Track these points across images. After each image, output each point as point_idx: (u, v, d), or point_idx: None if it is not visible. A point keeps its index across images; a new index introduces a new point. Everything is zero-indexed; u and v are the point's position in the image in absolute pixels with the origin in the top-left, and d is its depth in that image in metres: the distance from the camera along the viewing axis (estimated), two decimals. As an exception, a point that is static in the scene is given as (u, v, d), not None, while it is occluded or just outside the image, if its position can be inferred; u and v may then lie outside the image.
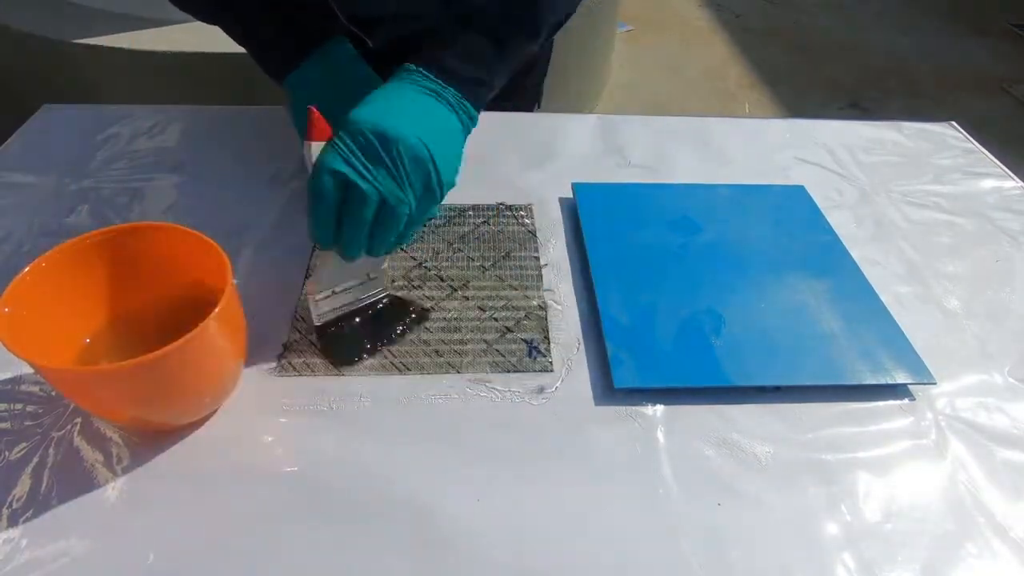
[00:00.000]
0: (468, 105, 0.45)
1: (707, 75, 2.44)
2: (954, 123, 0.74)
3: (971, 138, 0.72)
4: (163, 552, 0.34)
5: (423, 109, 0.43)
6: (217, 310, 0.34)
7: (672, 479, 0.38)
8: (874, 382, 0.44)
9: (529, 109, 0.81)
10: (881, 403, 0.44)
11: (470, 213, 0.57)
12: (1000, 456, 0.41)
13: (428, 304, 0.48)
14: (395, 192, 0.39)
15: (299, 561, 0.34)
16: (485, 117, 0.68)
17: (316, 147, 0.40)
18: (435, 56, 0.45)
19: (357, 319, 0.46)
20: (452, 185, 0.43)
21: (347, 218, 0.39)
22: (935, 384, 0.44)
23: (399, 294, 0.49)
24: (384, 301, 0.48)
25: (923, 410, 0.43)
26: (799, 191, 0.61)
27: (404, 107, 0.42)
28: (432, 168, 0.41)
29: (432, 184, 0.41)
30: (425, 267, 0.51)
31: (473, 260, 0.52)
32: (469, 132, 0.46)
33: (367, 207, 0.39)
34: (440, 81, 0.44)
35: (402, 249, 0.52)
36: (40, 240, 0.52)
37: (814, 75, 2.46)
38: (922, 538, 0.37)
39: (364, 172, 0.39)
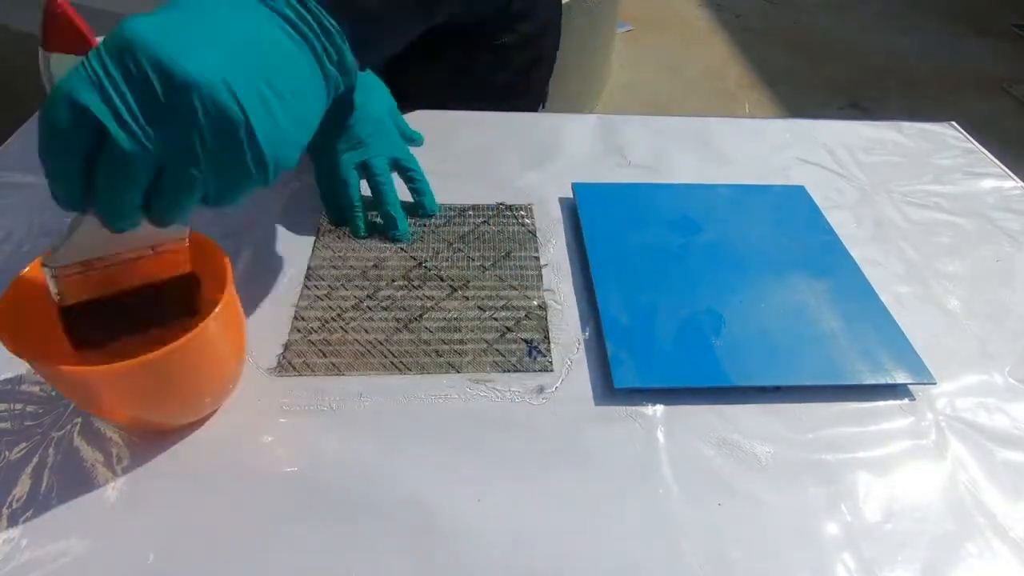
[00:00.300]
0: (343, 47, 0.31)
1: (707, 75, 2.44)
2: (954, 123, 0.74)
3: (971, 138, 0.72)
4: (163, 552, 0.34)
5: (256, 36, 0.28)
6: (217, 310, 0.34)
7: (672, 479, 0.38)
8: (874, 382, 0.44)
9: (534, 108, 0.81)
10: (881, 403, 0.44)
11: (470, 213, 0.57)
12: (1000, 456, 0.41)
13: (429, 303, 0.48)
14: (182, 157, 0.27)
15: (299, 561, 0.34)
16: (485, 117, 0.69)
17: (58, 61, 0.27)
18: None
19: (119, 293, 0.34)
20: (289, 167, 0.31)
21: (102, 177, 0.27)
22: (935, 384, 0.44)
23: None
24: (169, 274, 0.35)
25: (923, 410, 0.43)
26: (799, 191, 0.61)
27: (220, 26, 0.28)
28: (245, 139, 0.28)
29: (246, 161, 0.28)
30: (425, 267, 0.51)
31: (473, 260, 0.52)
32: (339, 91, 0.33)
33: (132, 168, 0.26)
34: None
35: (401, 249, 0.52)
36: (40, 240, 0.52)
37: (814, 75, 2.46)
38: (922, 538, 0.37)
39: (129, 119, 0.25)
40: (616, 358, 0.44)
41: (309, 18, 0.30)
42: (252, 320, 0.46)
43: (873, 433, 0.42)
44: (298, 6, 0.30)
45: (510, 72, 0.72)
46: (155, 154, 0.26)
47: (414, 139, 0.61)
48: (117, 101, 0.25)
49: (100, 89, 0.25)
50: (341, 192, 0.53)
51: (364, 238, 0.53)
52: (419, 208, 0.55)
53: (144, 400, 0.35)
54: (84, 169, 0.27)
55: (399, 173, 0.55)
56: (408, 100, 0.64)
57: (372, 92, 0.56)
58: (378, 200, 0.53)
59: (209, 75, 0.26)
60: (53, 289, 0.32)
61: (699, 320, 0.47)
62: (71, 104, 0.25)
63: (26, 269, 0.35)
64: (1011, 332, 0.49)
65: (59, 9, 0.26)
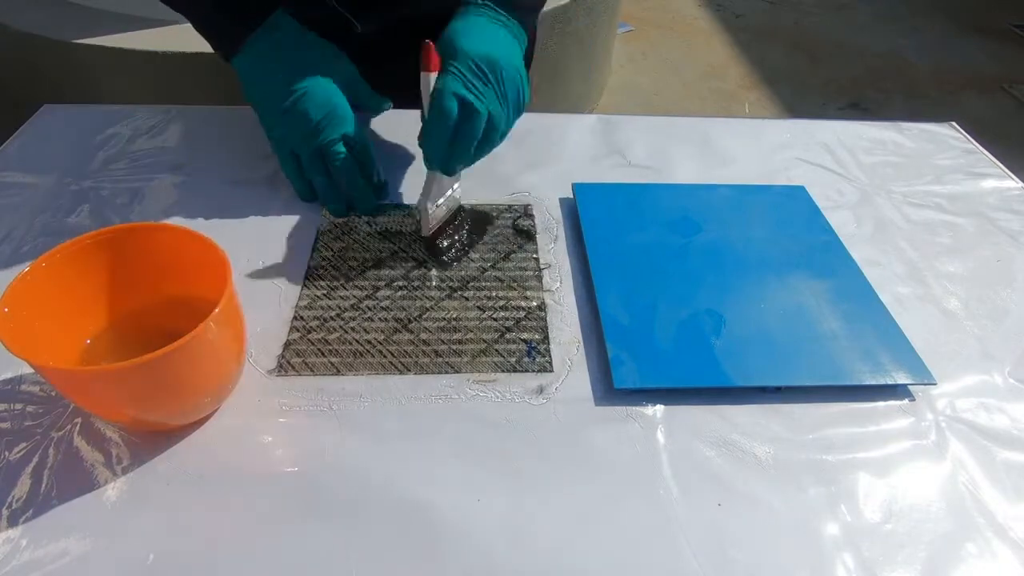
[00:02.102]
0: (523, 32, 0.52)
1: (707, 75, 2.44)
2: (954, 123, 0.74)
3: (971, 138, 0.72)
4: (163, 552, 0.34)
5: (501, 37, 0.50)
6: (217, 310, 0.34)
7: (672, 479, 0.38)
8: (874, 382, 0.44)
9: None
10: (881, 403, 0.44)
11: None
12: (1000, 456, 0.41)
13: (428, 304, 0.48)
14: (499, 110, 0.47)
15: (299, 561, 0.34)
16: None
17: (430, 77, 0.47)
18: None
19: (450, 229, 0.54)
20: (529, 101, 0.51)
21: (461, 136, 0.46)
22: (935, 384, 0.44)
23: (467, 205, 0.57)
24: (461, 214, 0.55)
25: (923, 410, 0.43)
26: (799, 191, 0.61)
27: (491, 36, 0.49)
28: (521, 86, 0.49)
29: (521, 101, 0.49)
30: (425, 267, 0.51)
31: (473, 260, 0.52)
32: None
33: (479, 124, 0.46)
34: (505, 13, 0.51)
35: (401, 249, 0.52)
36: (40, 240, 0.52)
37: (814, 75, 2.46)
38: (922, 538, 0.37)
39: (478, 95, 0.46)
40: (616, 358, 0.44)
41: (514, 25, 0.52)
42: (252, 320, 0.45)
43: (873, 433, 0.42)
44: (509, 21, 0.52)
45: None
46: (488, 110, 0.47)
47: (376, 108, 0.61)
48: (471, 86, 0.46)
49: (463, 83, 0.46)
50: (312, 180, 0.55)
51: (345, 217, 0.55)
52: (371, 184, 0.56)
53: (144, 400, 0.35)
54: (451, 137, 0.47)
55: (348, 150, 0.54)
56: (392, 93, 0.63)
57: (323, 72, 0.55)
58: (341, 183, 0.54)
59: (505, 57, 0.48)
60: (426, 223, 0.51)
61: (699, 320, 0.47)
62: (450, 94, 0.45)
63: (26, 269, 0.36)
64: (1011, 332, 0.49)
65: (431, 48, 0.47)
